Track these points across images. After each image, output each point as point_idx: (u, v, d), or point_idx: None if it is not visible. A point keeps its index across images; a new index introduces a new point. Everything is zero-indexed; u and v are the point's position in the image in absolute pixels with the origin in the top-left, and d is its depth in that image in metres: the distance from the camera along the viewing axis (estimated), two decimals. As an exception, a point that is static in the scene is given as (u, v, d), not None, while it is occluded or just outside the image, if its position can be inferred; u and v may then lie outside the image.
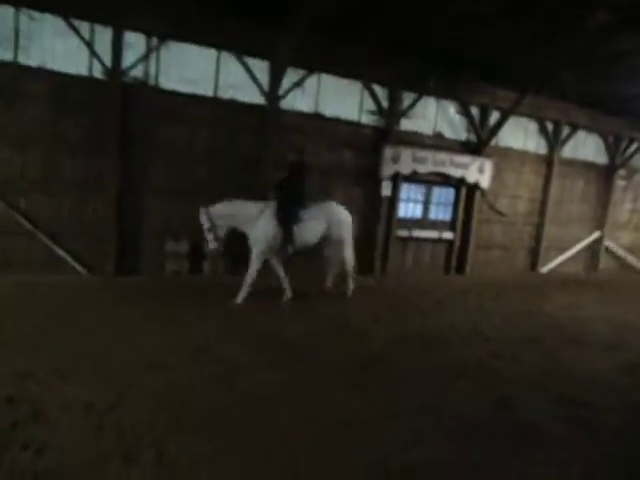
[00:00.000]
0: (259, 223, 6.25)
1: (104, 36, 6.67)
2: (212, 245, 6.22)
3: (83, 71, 6.68)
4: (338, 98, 8.57)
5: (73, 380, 3.71)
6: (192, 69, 7.30)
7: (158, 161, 7.27)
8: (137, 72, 6.96)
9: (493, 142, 10.24)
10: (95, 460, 2.75)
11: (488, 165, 10.17)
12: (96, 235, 7.01)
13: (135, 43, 6.89)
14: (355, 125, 8.81)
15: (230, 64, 7.58)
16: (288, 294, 6.65)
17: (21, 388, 3.51)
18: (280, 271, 6.65)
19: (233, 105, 7.65)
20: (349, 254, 7.09)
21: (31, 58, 6.37)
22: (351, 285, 7.21)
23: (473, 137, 10.18)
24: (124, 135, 6.91)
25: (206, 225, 6.13)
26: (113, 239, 7.07)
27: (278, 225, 6.29)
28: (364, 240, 9.21)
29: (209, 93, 7.50)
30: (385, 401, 3.83)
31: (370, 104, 8.92)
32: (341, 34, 7.50)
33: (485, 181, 10.21)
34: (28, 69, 6.35)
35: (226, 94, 7.62)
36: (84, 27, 6.56)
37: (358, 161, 8.92)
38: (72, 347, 4.37)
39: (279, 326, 5.52)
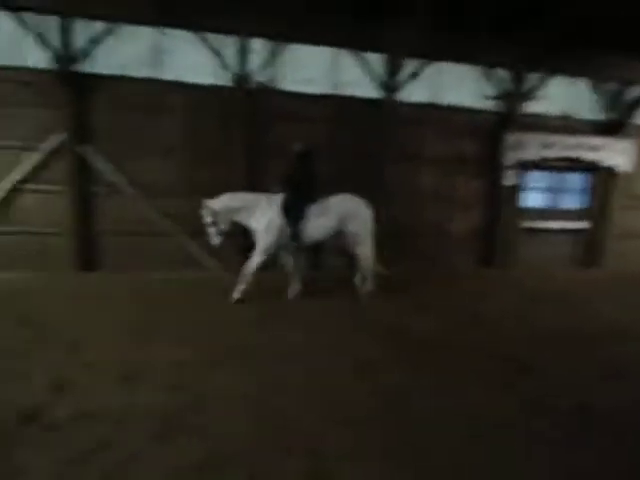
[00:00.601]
0: (265, 217, 6.04)
1: (231, 45, 7.09)
2: (215, 241, 6.09)
3: (213, 81, 7.17)
4: (457, 85, 8.24)
5: (223, 370, 3.99)
6: (310, 69, 7.50)
7: (280, 161, 7.55)
8: (261, 77, 7.30)
9: (634, 120, 9.13)
10: (253, 449, 2.92)
11: (628, 146, 9.10)
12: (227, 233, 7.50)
13: (258, 49, 7.23)
14: (475, 112, 8.40)
15: (346, 60, 7.64)
16: (296, 287, 6.42)
17: (179, 376, 3.85)
18: (290, 266, 6.47)
19: (351, 101, 7.71)
20: (364, 251, 6.36)
21: (170, 73, 6.99)
22: (369, 285, 6.46)
23: (609, 116, 9.17)
24: (249, 138, 7.30)
25: (208, 220, 6.02)
26: (239, 237, 7.50)
27: (284, 220, 6.03)
28: (487, 232, 8.79)
29: (327, 91, 7.63)
30: (533, 401, 3.61)
31: (491, 89, 8.44)
32: (456, 19, 7.15)
33: (625, 163, 9.15)
34: (168, 83, 6.97)
35: (343, 91, 7.70)
36: (213, 39, 7.03)
37: (479, 150, 8.51)
38: (216, 339, 4.71)
39: (407, 320, 5.46)
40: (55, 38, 6.41)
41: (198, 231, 7.36)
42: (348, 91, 7.74)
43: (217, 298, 6.21)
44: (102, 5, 6.47)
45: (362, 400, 3.56)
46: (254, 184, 7.47)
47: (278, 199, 6.09)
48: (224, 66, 7.11)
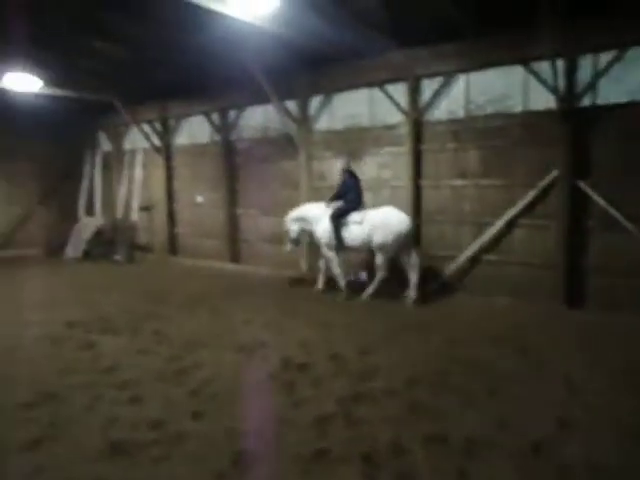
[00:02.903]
0: (322, 224, 7.50)
1: None
2: (286, 248, 8.18)
3: None
4: None
5: None
6: None
7: None
8: None
9: None
10: None
11: None
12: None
13: None
14: None
15: None
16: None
17: None
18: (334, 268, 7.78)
19: None
20: (380, 261, 7.17)
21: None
22: (369, 291, 7.39)
23: None
24: None
25: (285, 229, 8.10)
26: None
27: (330, 226, 7.34)
28: None
29: None
30: None
31: None
32: None
33: None
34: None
35: None
36: None
37: None
38: None
39: None
40: (558, 79, 6.64)
41: None
42: None
43: None
44: (610, 36, 6.27)
45: None
46: None
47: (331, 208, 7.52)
48: None
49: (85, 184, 14.31)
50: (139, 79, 10.77)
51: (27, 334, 5.98)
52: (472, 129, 7.70)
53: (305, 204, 8.34)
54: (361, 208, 7.42)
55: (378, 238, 7.02)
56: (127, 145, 13.70)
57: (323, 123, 9.50)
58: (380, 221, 7.04)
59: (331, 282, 7.99)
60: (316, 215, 7.69)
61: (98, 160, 14.24)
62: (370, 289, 7.41)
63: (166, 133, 12.51)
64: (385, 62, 8.16)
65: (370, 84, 8.62)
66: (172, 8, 6.54)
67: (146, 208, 13.14)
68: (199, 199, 11.98)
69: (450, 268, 7.93)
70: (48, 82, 9.82)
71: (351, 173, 7.66)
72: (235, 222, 11.25)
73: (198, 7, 5.77)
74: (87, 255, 12.56)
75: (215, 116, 11.28)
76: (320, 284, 8.09)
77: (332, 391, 4.18)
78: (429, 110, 8.11)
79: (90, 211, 14.07)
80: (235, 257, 11.25)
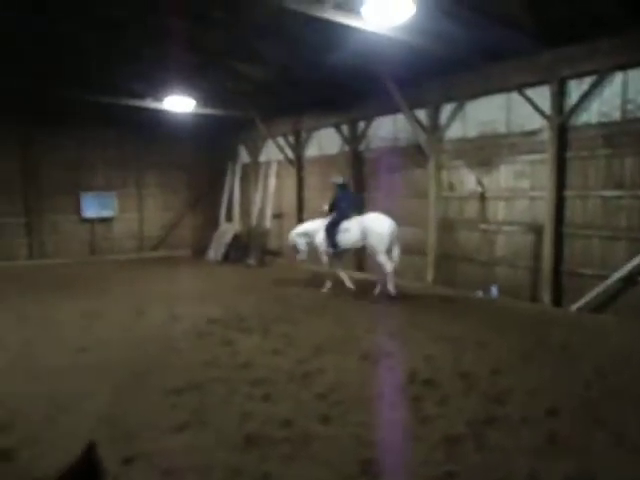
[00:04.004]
0: (319, 234, 8.85)
1: None
2: (299, 257, 9.49)
3: None
4: None
5: None
6: None
7: None
8: None
9: None
10: None
11: None
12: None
13: None
14: None
15: None
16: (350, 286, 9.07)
17: None
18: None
19: None
20: (379, 259, 8.06)
21: None
22: (391, 288, 8.08)
23: None
24: None
25: (291, 242, 9.50)
26: None
27: (325, 233, 8.68)
28: None
29: None
30: None
31: None
32: None
33: None
34: None
35: None
36: None
37: None
38: None
39: None
40: None
41: None
42: None
43: None
44: None
45: None
46: None
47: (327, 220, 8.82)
48: None
49: (226, 193, 15.66)
50: (276, 97, 11.52)
51: (177, 327, 6.71)
52: (630, 133, 6.84)
53: (307, 222, 9.79)
54: (352, 216, 8.55)
55: (369, 241, 8.17)
56: (263, 157, 14.72)
57: (455, 131, 9.21)
58: (369, 226, 8.15)
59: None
60: (315, 229, 9.06)
61: (238, 171, 15.50)
62: (391, 287, 8.08)
63: (298, 145, 13.18)
64: (525, 64, 7.66)
65: (507, 89, 8.16)
66: (311, 29, 6.89)
67: (278, 216, 13.95)
68: (326, 208, 12.33)
69: (597, 289, 7.11)
70: (200, 103, 10.99)
71: (344, 187, 8.91)
72: (361, 231, 11.40)
73: (336, 25, 5.99)
74: (225, 258, 13.71)
75: (344, 127, 11.59)
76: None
77: (461, 411, 3.99)
78: (576, 113, 7.39)
79: (229, 217, 15.34)
80: (361, 265, 11.36)
